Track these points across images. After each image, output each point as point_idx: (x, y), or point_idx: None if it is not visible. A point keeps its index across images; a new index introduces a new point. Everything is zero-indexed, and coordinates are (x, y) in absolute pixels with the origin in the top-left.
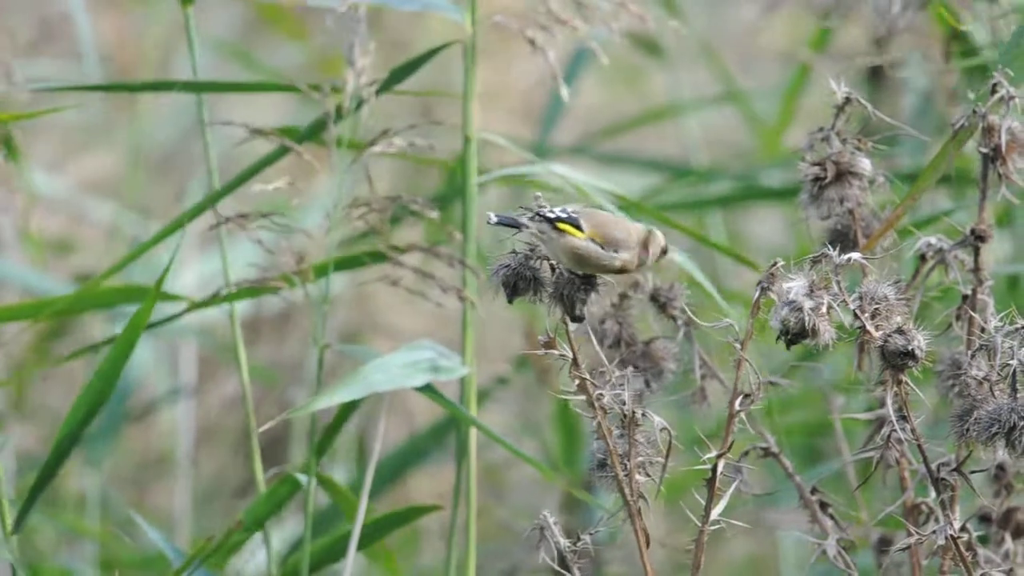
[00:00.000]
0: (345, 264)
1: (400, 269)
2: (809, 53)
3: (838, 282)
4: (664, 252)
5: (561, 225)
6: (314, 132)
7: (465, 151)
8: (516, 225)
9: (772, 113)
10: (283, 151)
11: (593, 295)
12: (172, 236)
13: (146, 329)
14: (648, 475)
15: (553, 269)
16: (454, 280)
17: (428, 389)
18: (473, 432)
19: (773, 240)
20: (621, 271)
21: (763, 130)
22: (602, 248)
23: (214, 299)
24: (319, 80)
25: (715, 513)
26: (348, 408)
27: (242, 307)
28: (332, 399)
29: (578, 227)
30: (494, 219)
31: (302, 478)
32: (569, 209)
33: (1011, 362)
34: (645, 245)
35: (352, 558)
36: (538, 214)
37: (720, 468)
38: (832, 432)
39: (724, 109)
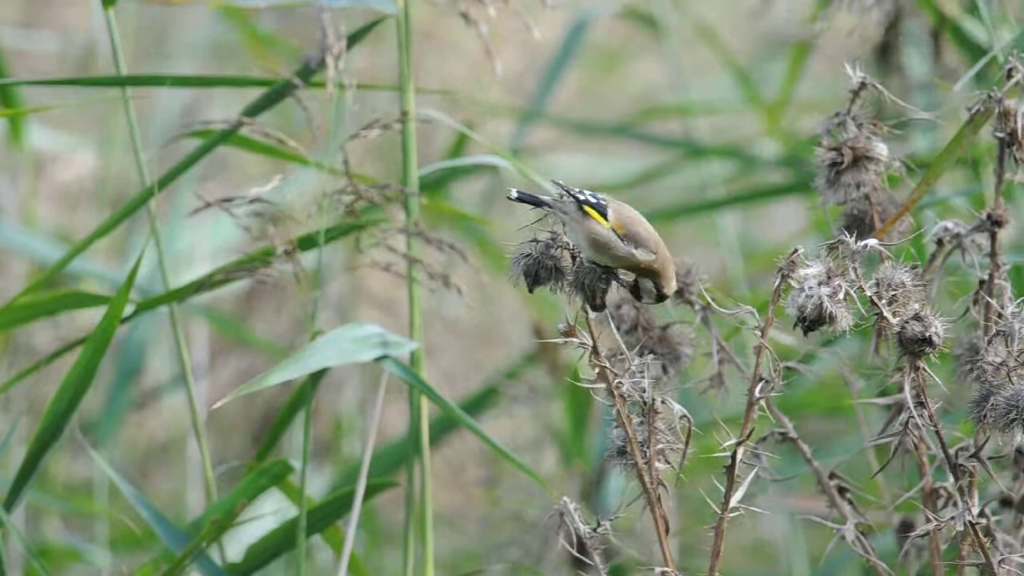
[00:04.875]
0: (307, 243)
1: (391, 253)
2: (809, 32)
3: (855, 268)
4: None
5: (587, 208)
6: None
7: (404, 126)
8: (537, 203)
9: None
10: (227, 134)
11: (613, 285)
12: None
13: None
14: (668, 462)
15: (574, 259)
16: (443, 261)
17: (385, 360)
18: (424, 404)
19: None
20: (635, 268)
21: (765, 109)
22: (622, 241)
23: (188, 287)
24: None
25: (734, 500)
26: (307, 385)
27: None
28: (284, 375)
29: (604, 215)
30: (515, 195)
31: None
32: (600, 195)
33: None
34: (666, 264)
35: (351, 539)
36: (569, 192)
37: (739, 455)
38: (838, 416)
39: (724, 88)
